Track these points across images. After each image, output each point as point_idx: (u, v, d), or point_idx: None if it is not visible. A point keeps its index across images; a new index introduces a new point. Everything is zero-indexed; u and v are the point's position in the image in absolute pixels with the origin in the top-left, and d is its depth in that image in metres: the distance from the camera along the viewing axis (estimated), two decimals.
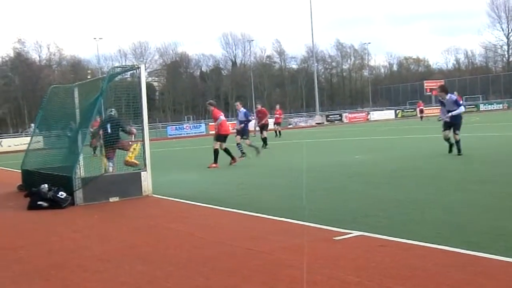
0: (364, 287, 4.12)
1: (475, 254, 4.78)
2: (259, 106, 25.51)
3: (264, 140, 22.42)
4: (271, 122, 30.13)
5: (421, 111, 47.88)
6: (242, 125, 17.47)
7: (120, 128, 11.87)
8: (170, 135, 44.80)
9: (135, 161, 10.78)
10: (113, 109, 12.11)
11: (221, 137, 15.24)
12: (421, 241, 5.31)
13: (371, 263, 4.72)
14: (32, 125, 48.81)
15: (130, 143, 11.78)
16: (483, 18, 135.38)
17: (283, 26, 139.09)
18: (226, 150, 15.13)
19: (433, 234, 5.60)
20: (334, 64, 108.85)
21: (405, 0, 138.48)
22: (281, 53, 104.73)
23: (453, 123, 14.29)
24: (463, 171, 10.83)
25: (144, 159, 10.18)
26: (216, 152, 15.09)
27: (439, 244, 5.15)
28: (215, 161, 15.00)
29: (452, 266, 4.51)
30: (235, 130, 18.01)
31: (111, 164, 11.68)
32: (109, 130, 11.59)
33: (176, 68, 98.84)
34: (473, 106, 64.00)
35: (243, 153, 16.29)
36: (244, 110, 18.11)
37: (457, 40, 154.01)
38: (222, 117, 15.40)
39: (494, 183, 9.05)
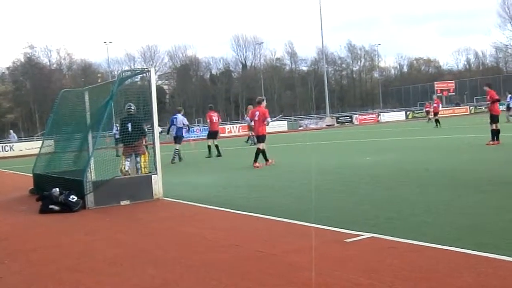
0: None
1: (488, 256, 4.75)
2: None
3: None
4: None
5: (428, 112, 43.31)
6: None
7: (139, 127, 11.93)
8: None
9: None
10: (132, 105, 12.04)
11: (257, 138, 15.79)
12: (433, 243, 5.28)
13: (382, 265, 4.70)
14: (11, 131, 48.38)
15: (144, 149, 11.98)
16: (493, 18, 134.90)
17: (294, 29, 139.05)
18: (257, 152, 15.26)
19: (446, 236, 5.57)
20: (344, 65, 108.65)
21: (414, 1, 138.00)
22: (292, 55, 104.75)
23: None
24: (477, 172, 10.76)
25: (155, 162, 10.21)
26: (262, 152, 15.32)
27: (451, 246, 5.12)
28: (265, 159, 15.23)
29: (464, 268, 4.48)
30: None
31: (128, 160, 11.86)
32: (129, 129, 11.72)
33: (186, 71, 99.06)
34: (485, 107, 63.57)
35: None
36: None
37: (467, 41, 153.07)
38: (253, 118, 15.64)
39: (506, 184, 8.99)
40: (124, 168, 11.93)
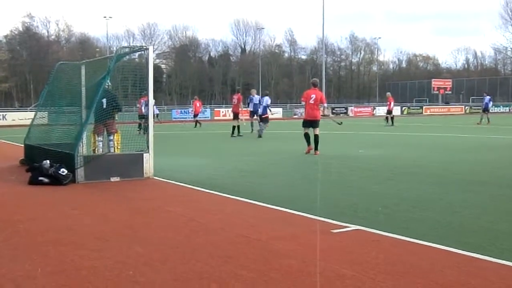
0: (359, 281, 4.15)
1: (470, 255, 4.80)
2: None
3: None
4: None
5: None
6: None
7: (115, 104, 11.47)
8: (174, 118, 44.72)
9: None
10: (108, 82, 11.22)
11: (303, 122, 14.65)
12: (418, 239, 5.33)
13: (366, 257, 4.74)
14: None
15: (116, 128, 11.63)
16: (494, 20, 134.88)
17: (295, 17, 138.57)
18: (316, 139, 14.21)
19: (431, 233, 5.62)
20: (343, 57, 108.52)
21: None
22: (292, 42, 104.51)
23: None
24: (465, 171, 10.85)
25: (147, 141, 10.19)
26: (305, 136, 14.49)
27: (435, 243, 5.17)
28: (308, 143, 14.36)
29: (447, 265, 4.52)
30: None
31: (100, 139, 11.52)
32: (104, 105, 11.20)
33: (184, 52, 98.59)
34: (480, 108, 63.82)
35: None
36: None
37: (467, 41, 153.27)
38: (307, 100, 14.44)
39: (494, 185, 9.06)
40: (98, 150, 11.39)
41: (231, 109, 23.32)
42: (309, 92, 14.51)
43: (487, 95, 34.83)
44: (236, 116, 22.74)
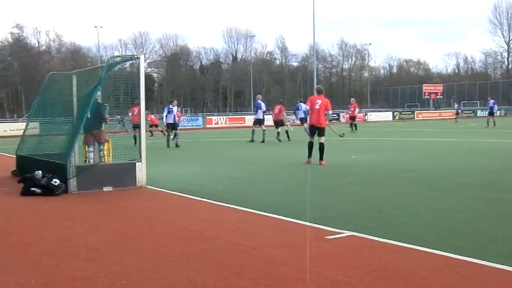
0: (354, 287, 4.14)
1: (465, 259, 4.80)
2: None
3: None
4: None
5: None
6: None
7: (99, 115, 11.19)
8: None
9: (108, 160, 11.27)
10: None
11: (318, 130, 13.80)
12: (412, 244, 5.33)
13: (361, 263, 4.74)
14: None
15: (105, 137, 11.56)
16: (482, 24, 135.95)
17: (286, 24, 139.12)
18: (321, 147, 13.56)
19: (425, 238, 5.62)
20: (334, 63, 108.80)
21: (406, 4, 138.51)
22: (283, 49, 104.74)
23: None
24: (458, 176, 10.87)
25: (140, 150, 10.16)
26: (309, 144, 13.86)
27: (430, 248, 5.17)
28: (309, 155, 13.77)
29: (441, 270, 4.52)
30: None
31: (91, 151, 11.50)
32: (88, 115, 10.78)
33: (176, 60, 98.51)
34: (471, 112, 64.30)
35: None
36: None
37: (458, 45, 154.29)
38: (312, 106, 13.83)
39: (487, 189, 9.08)
40: (89, 160, 11.31)
41: (272, 117, 25.95)
42: (314, 98, 14.11)
43: (492, 99, 35.29)
44: (277, 123, 24.40)
